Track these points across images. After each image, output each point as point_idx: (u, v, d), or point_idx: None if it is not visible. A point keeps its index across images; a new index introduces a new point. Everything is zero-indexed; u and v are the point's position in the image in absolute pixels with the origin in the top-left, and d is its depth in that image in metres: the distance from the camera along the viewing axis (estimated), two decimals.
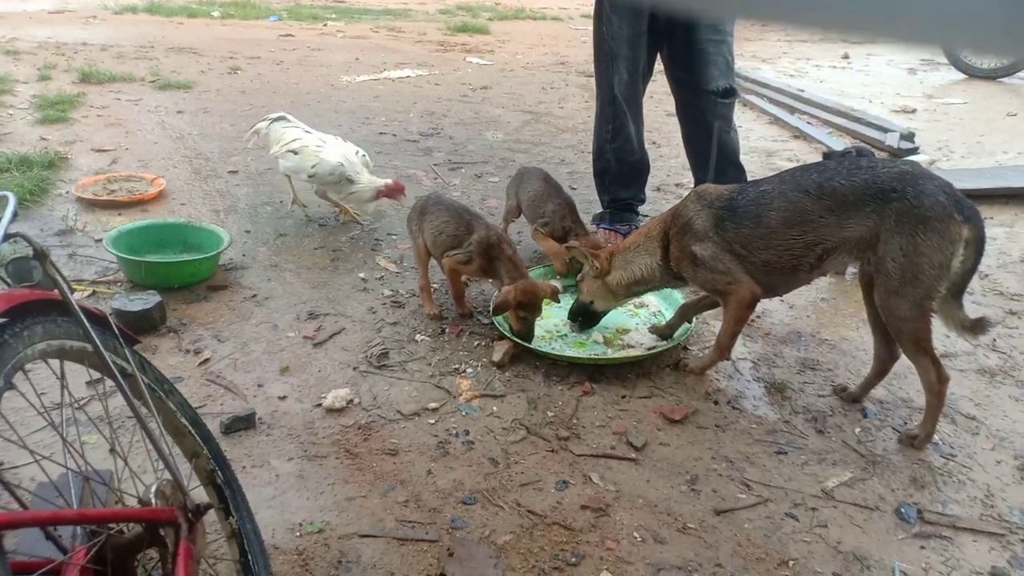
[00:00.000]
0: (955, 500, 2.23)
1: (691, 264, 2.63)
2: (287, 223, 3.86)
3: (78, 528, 1.41)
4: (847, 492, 2.26)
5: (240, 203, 4.10)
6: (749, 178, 3.75)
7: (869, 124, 5.49)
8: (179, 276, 3.13)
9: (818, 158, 5.04)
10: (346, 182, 3.62)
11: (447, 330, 2.97)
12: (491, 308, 2.95)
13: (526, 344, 2.79)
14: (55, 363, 1.42)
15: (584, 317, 2.93)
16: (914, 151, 5.02)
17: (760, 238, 2.50)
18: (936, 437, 2.45)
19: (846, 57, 9.06)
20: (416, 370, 2.71)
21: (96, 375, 1.59)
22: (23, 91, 5.92)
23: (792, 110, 6.18)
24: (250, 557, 1.73)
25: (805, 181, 2.45)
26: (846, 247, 2.41)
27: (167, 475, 1.48)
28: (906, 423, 2.56)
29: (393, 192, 3.62)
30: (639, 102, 3.67)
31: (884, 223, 2.30)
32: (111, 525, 1.37)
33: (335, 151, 3.64)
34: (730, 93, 3.52)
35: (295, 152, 3.66)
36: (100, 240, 3.36)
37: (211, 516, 1.76)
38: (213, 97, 6.22)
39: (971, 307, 3.17)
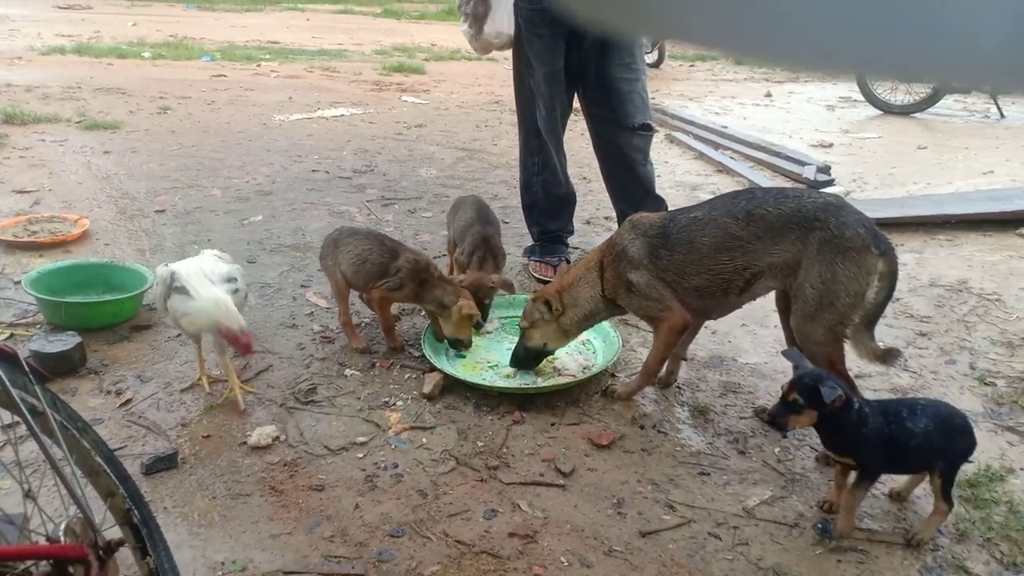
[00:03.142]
0: (870, 515, 2.31)
1: (626, 291, 2.69)
2: None
3: None
4: (767, 510, 2.32)
5: (166, 242, 4.04)
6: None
7: (788, 158, 5.73)
8: (100, 317, 3.07)
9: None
10: (176, 298, 2.57)
11: (377, 364, 2.97)
12: (457, 326, 2.95)
13: (456, 375, 2.81)
14: None
15: (536, 359, 2.91)
16: (830, 183, 5.25)
17: (692, 263, 2.58)
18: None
19: (768, 95, 9.44)
20: (345, 405, 2.70)
21: (10, 418, 1.56)
22: None
23: (716, 146, 6.41)
24: None
25: (735, 208, 2.54)
26: (772, 272, 2.51)
27: (78, 513, 1.45)
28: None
29: (234, 343, 2.51)
30: (560, 137, 3.77)
31: (806, 250, 2.41)
32: (17, 565, 1.33)
33: (180, 265, 2.66)
34: (648, 128, 3.65)
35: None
36: (19, 282, 3.27)
37: (128, 557, 1.72)
38: (141, 137, 6.14)
39: (884, 330, 3.34)
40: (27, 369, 1.53)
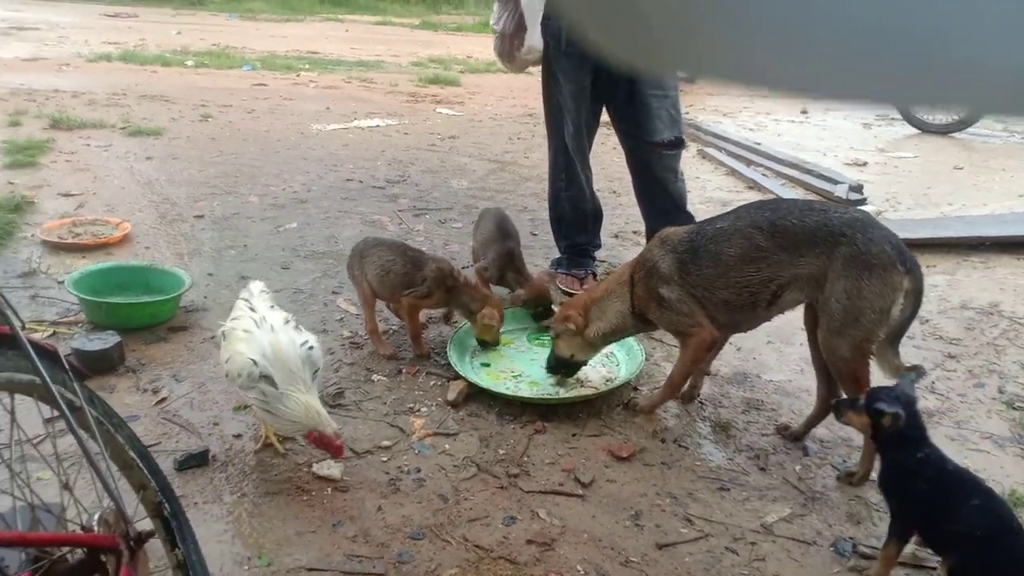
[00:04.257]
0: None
1: (657, 306, 2.71)
2: (250, 267, 3.92)
3: (23, 555, 1.44)
4: (786, 527, 2.33)
5: (204, 247, 4.16)
6: None
7: (820, 176, 5.72)
8: (139, 317, 3.17)
9: None
10: (261, 390, 2.31)
11: (403, 370, 3.03)
12: (483, 329, 3.07)
13: (480, 383, 2.86)
14: (5, 397, 1.46)
15: (567, 369, 2.97)
16: (862, 202, 5.22)
17: (720, 276, 2.59)
18: (874, 475, 2.54)
19: (804, 112, 9.39)
20: (371, 409, 2.76)
21: (50, 413, 1.64)
22: None
23: (748, 162, 6.40)
24: None
25: (759, 218, 2.55)
26: (798, 284, 2.51)
27: (111, 505, 1.52)
28: (845, 461, 2.65)
29: (326, 447, 2.33)
30: (586, 153, 3.81)
31: (832, 265, 2.41)
32: (54, 551, 1.40)
33: (259, 343, 2.35)
34: (676, 145, 3.66)
35: (224, 336, 2.47)
36: (63, 282, 3.39)
37: (159, 548, 1.80)
38: (183, 144, 6.31)
39: (912, 351, 3.32)
40: (66, 366, 1.61)
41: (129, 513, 1.58)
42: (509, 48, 3.60)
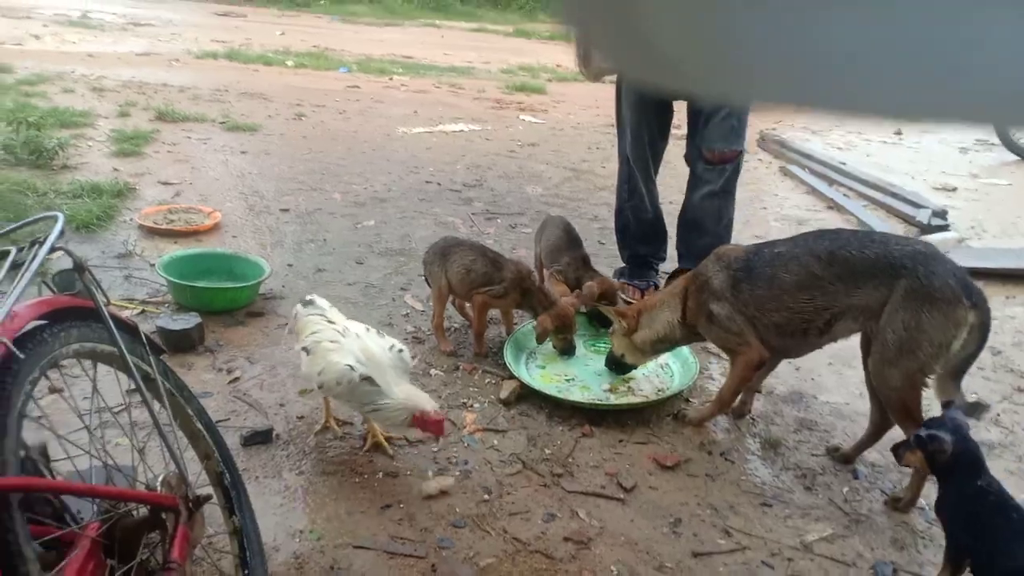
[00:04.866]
0: (933, 563, 2.27)
1: (707, 321, 2.75)
2: (327, 260, 4.12)
3: (94, 507, 1.61)
4: (826, 547, 2.33)
5: (287, 239, 4.38)
6: None
7: (903, 199, 5.55)
8: (221, 301, 3.39)
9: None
10: (363, 392, 2.39)
11: (461, 367, 3.14)
12: (535, 335, 3.19)
13: (532, 385, 2.94)
14: (89, 366, 1.64)
15: (618, 367, 3.05)
16: (945, 228, 5.06)
17: (772, 299, 2.61)
18: (923, 502, 2.51)
19: (899, 133, 9.10)
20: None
21: (131, 386, 1.80)
22: (103, 125, 6.42)
23: (831, 182, 6.27)
24: (248, 554, 1.90)
25: (817, 247, 2.55)
26: (852, 314, 2.50)
27: (175, 469, 1.68)
28: (895, 487, 2.61)
29: (429, 425, 2.39)
30: (648, 164, 3.81)
31: (891, 297, 2.38)
32: (121, 506, 1.56)
33: (351, 350, 2.44)
34: (729, 157, 3.62)
35: (307, 352, 2.50)
36: (154, 265, 3.65)
37: (218, 516, 1.95)
38: (276, 141, 6.62)
39: (980, 382, 3.24)
40: (144, 341, 1.79)
41: (192, 479, 1.74)
42: (586, 52, 3.66)
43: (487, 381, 3.07)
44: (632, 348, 2.95)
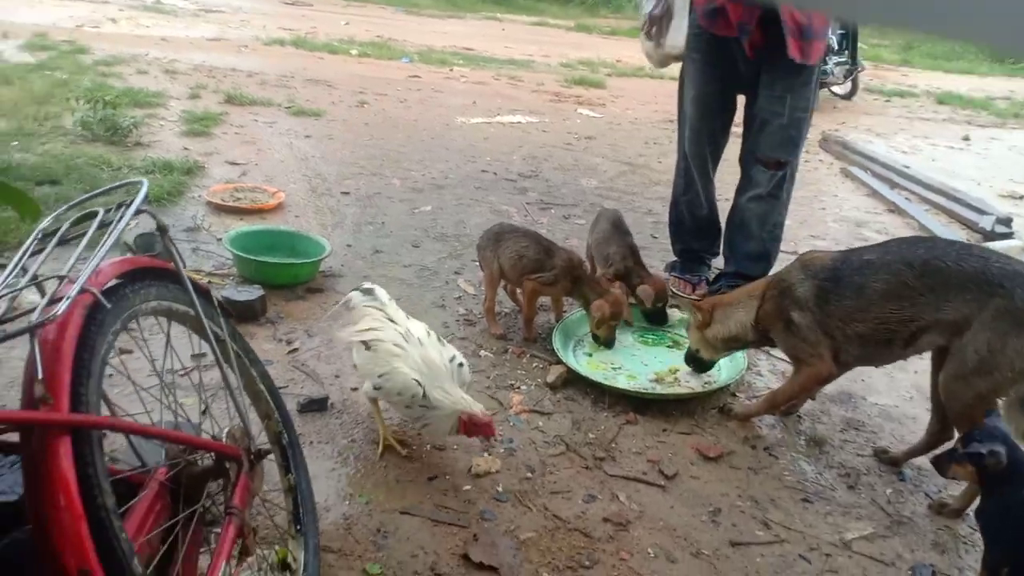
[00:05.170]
0: (973, 568, 2.26)
1: (784, 328, 2.70)
2: (385, 242, 4.23)
3: (162, 454, 1.72)
4: (865, 545, 2.33)
5: (347, 220, 4.51)
6: (835, 247, 3.82)
7: (967, 205, 5.43)
8: (283, 276, 3.53)
9: (911, 234, 5.04)
10: (419, 407, 2.37)
11: (510, 350, 3.21)
12: (594, 321, 3.19)
13: (579, 371, 2.99)
14: (164, 322, 1.75)
15: (695, 362, 3.04)
16: (1008, 235, 4.94)
17: (859, 309, 2.53)
18: (969, 510, 2.48)
19: (966, 139, 8.86)
20: (475, 381, 2.94)
21: (195, 350, 1.91)
22: (175, 106, 6.65)
23: (893, 184, 6.16)
24: (301, 511, 2.00)
25: (911, 255, 2.47)
26: (939, 328, 2.43)
27: (239, 423, 1.78)
28: (940, 491, 2.60)
29: (478, 428, 2.36)
30: (705, 161, 3.79)
31: (980, 315, 2.32)
32: (188, 455, 1.66)
33: (415, 359, 2.38)
34: (778, 165, 3.55)
35: (367, 347, 2.45)
36: (220, 239, 3.81)
37: (274, 475, 2.05)
38: (339, 126, 6.78)
39: None
40: (216, 304, 1.89)
41: (252, 434, 1.84)
42: (657, 33, 3.67)
43: (535, 365, 3.13)
44: (705, 342, 2.93)
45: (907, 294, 2.45)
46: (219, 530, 1.63)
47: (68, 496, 1.19)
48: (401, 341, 2.42)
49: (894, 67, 15.09)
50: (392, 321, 2.50)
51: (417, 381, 2.32)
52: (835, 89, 10.24)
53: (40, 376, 1.23)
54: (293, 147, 5.93)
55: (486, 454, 2.54)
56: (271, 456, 1.95)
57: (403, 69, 10.25)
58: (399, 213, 4.74)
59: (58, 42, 8.82)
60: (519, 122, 7.72)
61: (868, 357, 2.69)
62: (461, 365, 2.49)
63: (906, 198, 5.84)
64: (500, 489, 2.40)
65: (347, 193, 5.00)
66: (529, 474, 2.49)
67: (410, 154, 6.11)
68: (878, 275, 2.50)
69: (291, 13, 15.12)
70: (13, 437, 1.34)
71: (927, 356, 3.12)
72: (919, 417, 3.03)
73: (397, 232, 4.41)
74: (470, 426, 2.34)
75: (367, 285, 2.66)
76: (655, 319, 3.46)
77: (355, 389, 2.83)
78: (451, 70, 10.62)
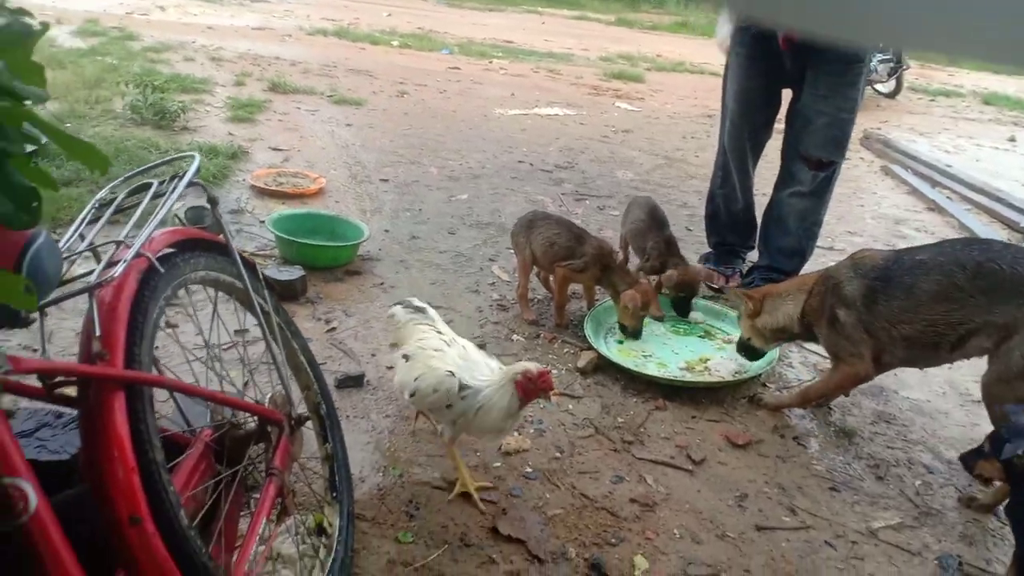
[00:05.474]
0: (1001, 561, 2.26)
1: (828, 324, 2.70)
2: (421, 228, 4.30)
3: (207, 418, 1.80)
4: (892, 535, 2.34)
5: (385, 207, 4.59)
6: (872, 244, 3.79)
7: (1009, 205, 5.34)
8: (323, 258, 3.62)
9: (951, 232, 4.99)
10: (461, 400, 2.19)
11: (542, 335, 3.26)
12: (623, 313, 3.21)
13: (610, 357, 3.03)
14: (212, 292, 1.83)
15: (746, 351, 3.05)
16: None
17: (907, 310, 2.52)
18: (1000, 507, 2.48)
19: (1012, 139, 8.70)
20: (507, 363, 3.01)
21: (238, 326, 1.98)
22: (220, 93, 6.81)
23: (934, 183, 6.08)
24: (337, 479, 2.07)
25: (965, 256, 2.45)
26: (988, 332, 2.41)
27: (281, 390, 1.86)
28: (971, 485, 2.59)
29: (538, 382, 2.17)
30: (744, 156, 3.78)
31: None
32: (232, 418, 1.74)
33: (451, 358, 2.28)
34: (822, 165, 3.52)
35: (406, 358, 2.32)
36: (263, 221, 3.91)
37: (312, 444, 2.13)
38: (379, 115, 6.88)
39: None
40: (260, 277, 1.97)
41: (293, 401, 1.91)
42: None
43: (565, 350, 3.18)
44: (756, 331, 2.94)
45: (958, 296, 2.42)
46: (259, 495, 1.71)
47: (121, 448, 1.26)
48: (441, 346, 2.31)
49: (941, 67, 14.80)
50: (439, 332, 2.39)
51: (451, 372, 2.20)
52: (879, 87, 10.10)
53: (98, 333, 1.30)
54: (334, 135, 6.04)
55: (516, 433, 2.59)
56: (310, 424, 2.03)
57: (443, 60, 10.34)
58: (436, 201, 4.81)
59: (109, 28, 9.07)
60: (556, 114, 7.76)
61: (913, 359, 2.68)
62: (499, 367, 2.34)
63: (947, 197, 5.76)
64: (529, 468, 2.45)
65: (386, 180, 5.08)
66: (558, 454, 2.54)
67: (448, 143, 6.19)
68: (929, 276, 2.48)
69: (334, 3, 15.29)
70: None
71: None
72: (951, 413, 3.03)
73: (434, 219, 4.49)
74: (528, 385, 2.16)
75: (417, 303, 2.49)
76: (677, 309, 3.48)
77: (390, 367, 2.90)
78: (490, 62, 10.67)
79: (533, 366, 2.18)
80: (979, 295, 2.39)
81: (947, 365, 3.14)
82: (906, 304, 2.51)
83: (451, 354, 2.28)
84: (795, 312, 2.81)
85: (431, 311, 2.47)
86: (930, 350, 2.55)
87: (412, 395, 2.24)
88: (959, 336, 2.46)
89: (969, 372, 3.29)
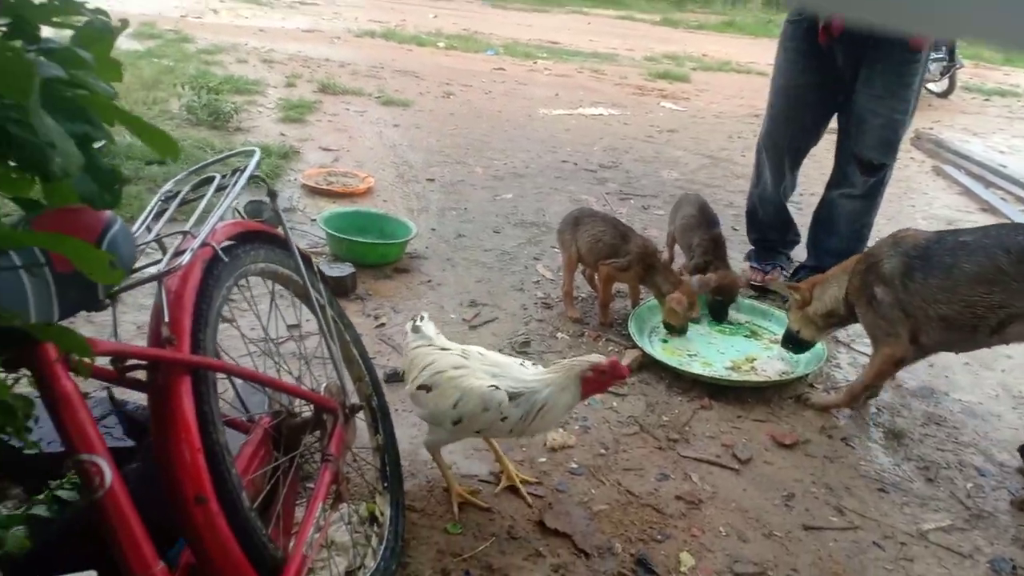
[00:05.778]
0: None
1: (866, 302, 2.71)
2: (467, 227, 4.36)
3: (266, 406, 1.86)
4: (942, 536, 2.31)
5: (432, 206, 4.66)
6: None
7: None
8: (372, 256, 3.69)
9: None
10: (514, 409, 2.01)
11: (586, 333, 3.28)
12: (669, 313, 3.22)
13: (655, 355, 3.04)
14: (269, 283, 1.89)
15: (794, 344, 3.05)
16: None
17: (945, 290, 2.50)
18: None
19: None
20: (552, 360, 3.03)
21: (293, 321, 2.03)
22: (272, 94, 6.96)
23: (987, 184, 5.95)
24: (388, 469, 2.13)
25: (1011, 240, 2.42)
26: None
27: (336, 380, 1.92)
28: None
29: (608, 372, 2.02)
30: (782, 155, 3.73)
31: None
32: (290, 406, 1.80)
33: (481, 369, 2.09)
34: (874, 169, 3.48)
35: (427, 389, 2.12)
36: (314, 220, 4.00)
37: (364, 435, 2.19)
38: (426, 116, 6.96)
39: None
40: (316, 271, 2.03)
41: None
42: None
43: (610, 349, 3.19)
44: (807, 322, 2.93)
45: (1000, 279, 2.39)
46: (313, 485, 1.76)
47: (188, 429, 1.32)
48: (460, 361, 2.12)
49: (996, 66, 14.42)
50: (443, 348, 2.21)
51: (494, 386, 2.01)
52: (931, 87, 9.89)
53: (167, 319, 1.37)
54: (382, 135, 6.13)
55: (561, 430, 2.62)
56: (362, 416, 2.08)
57: (488, 61, 10.40)
58: (481, 200, 4.86)
59: (164, 31, 9.32)
60: (601, 114, 7.76)
61: (950, 343, 2.65)
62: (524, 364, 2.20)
63: (1001, 198, 5.63)
64: (574, 464, 2.48)
65: (432, 180, 5.15)
66: (603, 451, 2.56)
67: (493, 143, 6.24)
68: (972, 257, 2.45)
69: (381, 6, 15.48)
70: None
71: (1017, 354, 3.06)
72: (1004, 415, 2.97)
73: (479, 218, 4.53)
74: (598, 379, 2.02)
75: (417, 322, 2.33)
76: (713, 312, 3.46)
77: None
78: (535, 63, 10.71)
79: (600, 358, 2.04)
80: (1020, 279, 2.36)
81: (1000, 368, 3.12)
82: (943, 283, 2.49)
83: (474, 366, 2.11)
84: (840, 294, 2.82)
85: (427, 326, 2.31)
86: (968, 333, 2.52)
87: (457, 423, 2.05)
88: (999, 320, 2.43)
89: (1023, 374, 3.24)
